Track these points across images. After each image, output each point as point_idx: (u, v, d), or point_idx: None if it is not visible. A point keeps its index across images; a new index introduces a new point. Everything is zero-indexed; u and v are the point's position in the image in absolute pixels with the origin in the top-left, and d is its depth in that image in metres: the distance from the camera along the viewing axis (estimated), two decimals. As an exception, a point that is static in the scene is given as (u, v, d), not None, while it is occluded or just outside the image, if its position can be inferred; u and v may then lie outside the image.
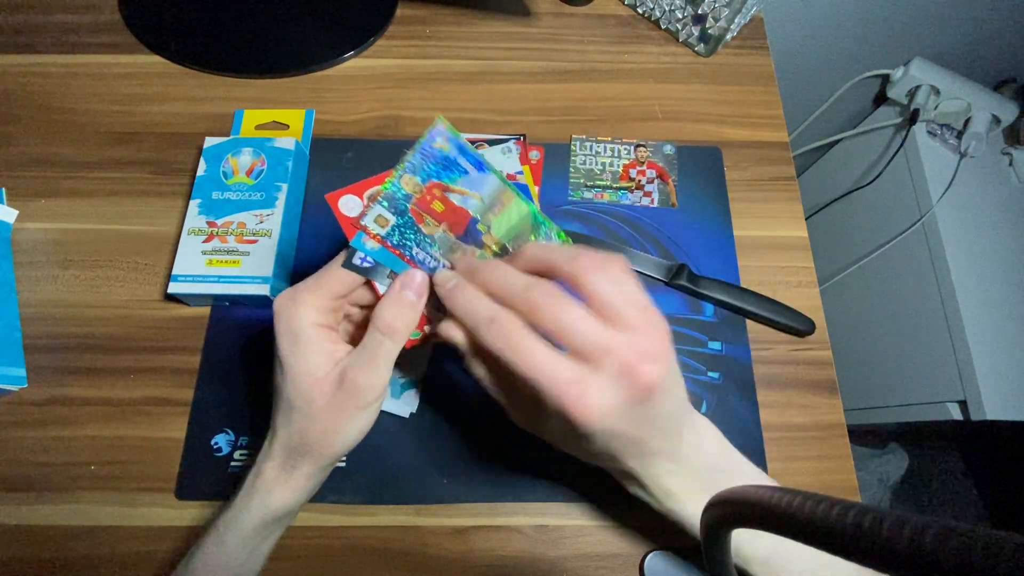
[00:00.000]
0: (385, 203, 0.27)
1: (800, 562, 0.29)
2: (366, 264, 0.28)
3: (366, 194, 0.27)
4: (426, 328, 0.31)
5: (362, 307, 0.31)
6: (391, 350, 0.28)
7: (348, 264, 0.28)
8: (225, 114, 0.49)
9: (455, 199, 0.28)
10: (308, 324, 0.28)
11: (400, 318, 0.27)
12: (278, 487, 0.29)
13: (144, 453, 0.38)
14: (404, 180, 0.27)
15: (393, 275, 0.28)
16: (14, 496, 0.37)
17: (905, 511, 0.11)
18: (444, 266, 0.29)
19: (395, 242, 0.28)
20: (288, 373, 0.28)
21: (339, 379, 0.27)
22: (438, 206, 0.28)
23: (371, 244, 0.27)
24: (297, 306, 0.28)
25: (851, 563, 0.12)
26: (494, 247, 0.29)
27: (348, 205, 0.28)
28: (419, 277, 0.28)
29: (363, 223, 0.27)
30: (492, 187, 0.28)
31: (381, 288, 0.29)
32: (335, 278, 0.28)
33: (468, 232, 0.29)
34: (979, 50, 0.81)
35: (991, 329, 0.74)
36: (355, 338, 0.31)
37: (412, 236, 0.28)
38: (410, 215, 0.27)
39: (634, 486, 0.31)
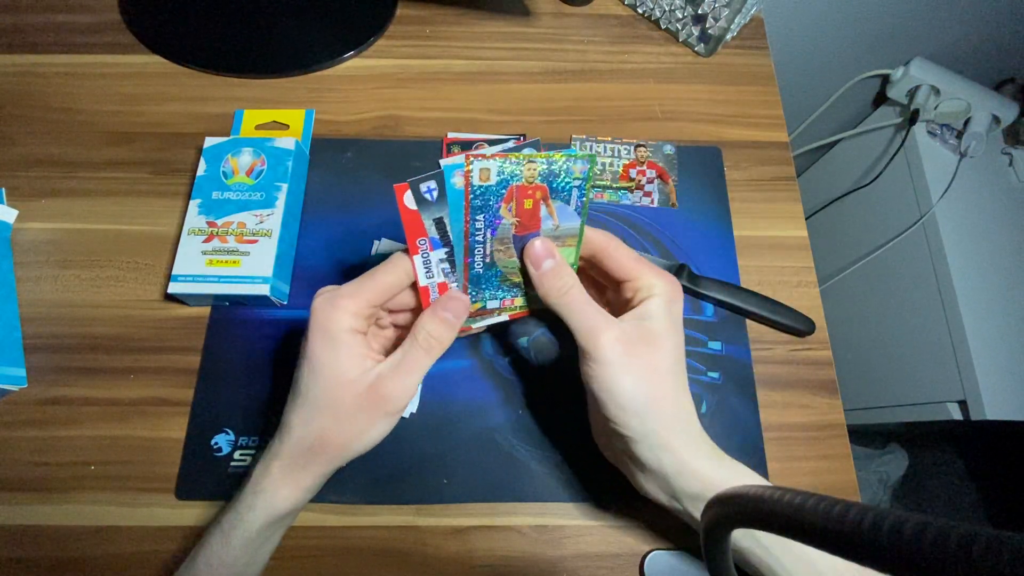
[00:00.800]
0: (502, 165, 0.27)
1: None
2: (427, 195, 0.27)
3: (490, 150, 0.28)
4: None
5: (391, 311, 0.32)
6: (426, 364, 0.29)
7: (414, 187, 0.27)
8: (225, 114, 0.49)
9: (542, 210, 0.30)
10: (344, 328, 0.28)
11: (440, 336, 0.29)
12: (285, 486, 0.29)
13: (144, 453, 0.38)
14: (528, 167, 0.28)
15: (438, 227, 0.28)
16: (14, 496, 0.37)
17: (905, 511, 0.11)
18: (486, 248, 0.30)
19: (476, 202, 0.28)
20: (319, 373, 0.28)
21: (371, 386, 0.28)
22: (528, 204, 0.29)
23: (458, 182, 0.27)
24: (336, 310, 0.28)
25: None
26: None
27: (411, 200, 0.28)
28: (464, 302, 0.30)
29: (472, 161, 0.27)
30: (571, 226, 0.31)
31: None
32: (378, 286, 0.29)
33: (524, 239, 0.31)
34: (979, 50, 0.81)
35: (991, 329, 0.74)
36: (381, 342, 0.33)
37: (492, 206, 0.28)
38: (504, 192, 0.28)
39: (638, 469, 0.32)
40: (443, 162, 0.26)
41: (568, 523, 0.38)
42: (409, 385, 0.29)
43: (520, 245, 0.31)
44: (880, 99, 0.89)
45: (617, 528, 0.38)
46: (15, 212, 0.44)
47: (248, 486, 0.30)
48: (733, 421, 0.41)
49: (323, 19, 0.54)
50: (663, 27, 0.55)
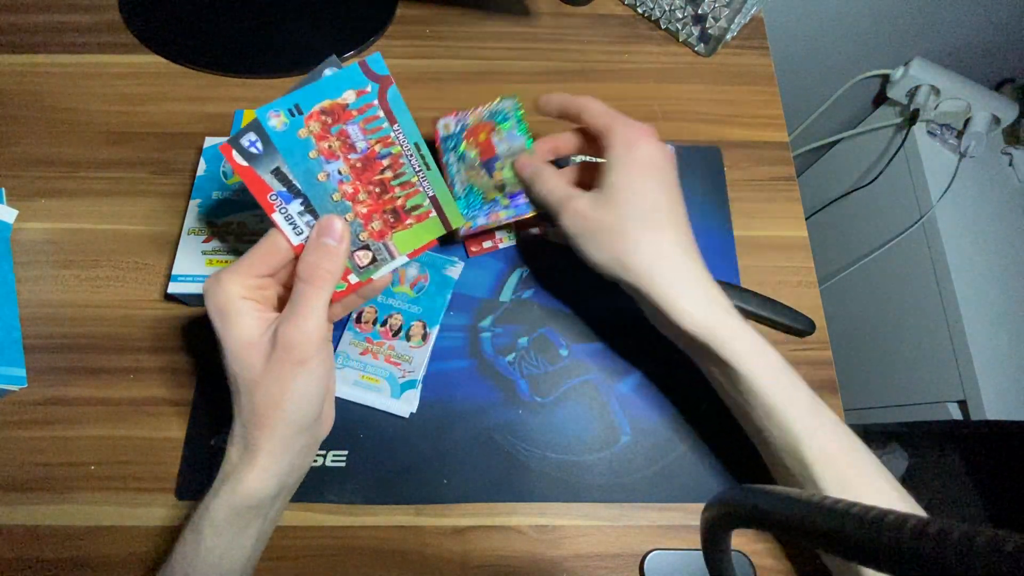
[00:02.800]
0: (457, 119, 0.40)
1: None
2: (252, 149, 0.27)
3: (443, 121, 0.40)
4: (350, 278, 0.31)
5: (287, 287, 0.31)
6: (316, 298, 0.28)
7: (235, 144, 0.27)
8: (225, 114, 0.49)
9: (493, 139, 0.39)
10: (232, 298, 0.28)
11: (321, 263, 0.28)
12: (244, 470, 0.28)
13: (144, 453, 0.38)
14: (473, 114, 0.39)
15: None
16: (14, 496, 0.37)
17: (906, 511, 0.11)
18: (462, 175, 0.39)
19: (448, 144, 0.39)
20: (225, 347, 0.28)
21: (272, 339, 0.28)
22: (482, 136, 0.39)
23: (276, 124, 0.27)
24: (219, 283, 0.28)
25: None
26: (498, 180, 0.39)
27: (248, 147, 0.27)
28: (339, 224, 0.29)
29: (439, 121, 0.40)
30: (518, 144, 0.39)
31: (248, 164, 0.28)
32: (255, 253, 0.29)
33: (488, 163, 0.39)
34: (979, 50, 0.81)
35: (991, 329, 0.74)
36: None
37: (457, 147, 0.39)
38: (462, 135, 0.39)
39: (645, 305, 0.35)
40: (258, 111, 0.27)
41: (568, 523, 0.38)
42: (307, 328, 0.27)
43: (487, 167, 0.38)
44: (880, 99, 0.89)
45: (617, 528, 0.38)
46: (15, 212, 0.44)
47: (216, 476, 0.30)
48: (733, 421, 0.41)
49: (323, 19, 0.54)
50: (663, 27, 0.55)
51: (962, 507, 1.19)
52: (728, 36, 0.53)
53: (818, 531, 0.13)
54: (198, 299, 0.41)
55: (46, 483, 0.38)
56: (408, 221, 0.31)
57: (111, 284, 0.43)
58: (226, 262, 0.40)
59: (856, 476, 0.31)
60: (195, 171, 0.43)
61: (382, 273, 0.32)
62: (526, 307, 0.43)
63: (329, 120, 0.27)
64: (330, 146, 0.28)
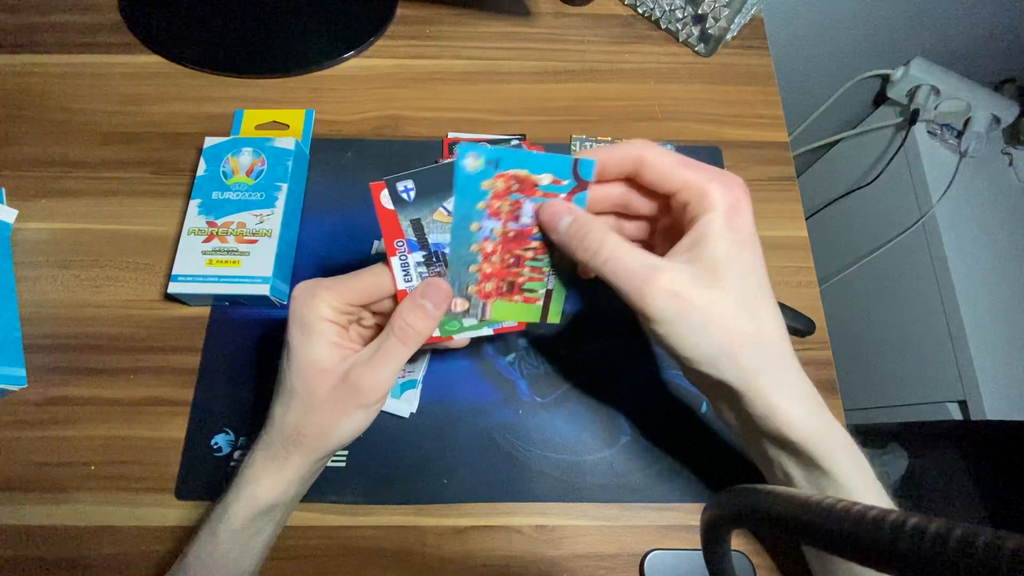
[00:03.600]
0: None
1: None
2: (404, 195, 0.27)
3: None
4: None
5: (375, 313, 0.31)
6: (402, 355, 0.28)
7: (390, 186, 0.27)
8: (225, 114, 0.49)
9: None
10: (319, 317, 0.28)
11: (416, 325, 0.28)
12: (267, 477, 0.29)
13: (144, 453, 0.38)
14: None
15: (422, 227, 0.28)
16: (14, 496, 0.37)
17: (907, 511, 0.11)
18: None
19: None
20: (294, 360, 0.28)
21: (344, 374, 0.28)
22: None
23: (472, 164, 0.26)
24: (313, 298, 0.28)
25: None
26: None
27: (387, 199, 0.27)
28: (444, 288, 0.28)
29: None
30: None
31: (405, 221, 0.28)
32: (358, 284, 0.28)
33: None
34: (979, 50, 0.81)
35: (991, 329, 0.74)
36: (364, 337, 0.32)
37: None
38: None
39: (726, 405, 0.29)
40: (460, 147, 0.25)
41: (568, 523, 0.38)
42: (383, 377, 0.28)
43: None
44: (880, 99, 0.89)
45: (617, 528, 0.38)
46: (15, 212, 0.44)
47: (236, 479, 0.30)
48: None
49: (323, 19, 0.54)
50: (663, 27, 0.55)
51: (962, 507, 1.19)
52: (728, 36, 0.53)
53: (818, 531, 0.13)
54: (198, 299, 0.41)
55: (46, 483, 0.38)
56: (516, 297, 0.31)
57: (111, 284, 0.43)
58: (226, 262, 0.40)
59: None
60: (195, 171, 0.43)
61: (462, 337, 0.32)
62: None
63: (515, 187, 0.27)
64: (499, 207, 0.28)
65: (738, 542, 0.38)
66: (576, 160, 0.27)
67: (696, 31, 0.53)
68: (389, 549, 0.37)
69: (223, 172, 0.42)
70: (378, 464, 0.38)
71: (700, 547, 0.18)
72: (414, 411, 0.39)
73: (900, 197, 0.84)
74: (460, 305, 0.30)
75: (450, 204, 0.28)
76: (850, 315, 0.96)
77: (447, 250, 0.29)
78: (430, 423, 0.40)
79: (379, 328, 0.32)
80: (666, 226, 0.29)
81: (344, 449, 0.38)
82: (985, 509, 1.19)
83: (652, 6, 0.55)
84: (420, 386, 0.40)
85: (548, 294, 0.32)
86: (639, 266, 0.25)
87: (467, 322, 0.31)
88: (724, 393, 0.28)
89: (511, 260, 0.30)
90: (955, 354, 0.75)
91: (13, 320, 0.41)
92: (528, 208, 0.28)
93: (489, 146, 0.26)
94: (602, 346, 0.43)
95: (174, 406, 0.39)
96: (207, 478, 0.38)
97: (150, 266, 0.43)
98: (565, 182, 0.27)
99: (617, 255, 0.26)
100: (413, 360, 0.40)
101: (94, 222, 0.45)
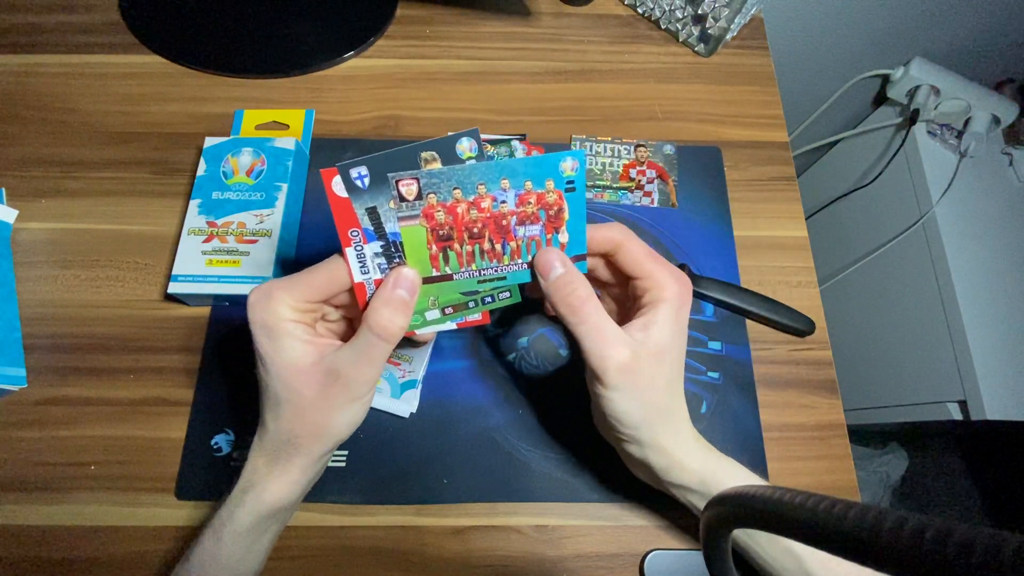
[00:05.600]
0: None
1: None
2: (358, 182, 0.26)
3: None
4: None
5: (337, 307, 0.30)
6: (385, 350, 0.28)
7: (343, 172, 0.26)
8: (225, 114, 0.49)
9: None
10: (282, 319, 0.27)
11: (395, 320, 0.27)
12: (272, 481, 0.29)
13: (144, 453, 0.38)
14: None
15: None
16: (14, 496, 0.37)
17: (906, 511, 0.11)
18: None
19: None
20: (271, 367, 0.28)
21: (328, 372, 0.27)
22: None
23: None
24: (270, 301, 0.27)
25: None
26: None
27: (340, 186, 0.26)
28: (413, 276, 0.28)
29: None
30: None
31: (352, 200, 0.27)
32: (313, 281, 0.28)
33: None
34: (979, 50, 0.81)
35: (991, 329, 0.74)
36: (334, 330, 0.31)
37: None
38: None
39: (631, 461, 0.34)
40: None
41: (568, 523, 0.38)
42: (371, 374, 0.28)
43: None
44: (880, 99, 0.89)
45: (617, 528, 0.38)
46: (15, 212, 0.44)
47: (238, 483, 0.30)
48: (733, 421, 0.41)
49: (323, 19, 0.54)
50: (663, 27, 0.55)
51: (962, 507, 1.19)
52: (728, 36, 0.53)
53: (818, 531, 0.13)
54: (198, 299, 0.41)
55: (46, 483, 0.38)
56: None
57: (111, 284, 0.43)
58: (226, 262, 0.40)
59: None
60: (195, 171, 0.43)
61: (425, 332, 0.31)
62: (526, 307, 0.43)
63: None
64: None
65: (738, 542, 0.38)
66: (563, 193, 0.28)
67: (696, 31, 0.53)
68: (389, 549, 0.37)
69: (223, 172, 0.42)
70: (378, 464, 0.38)
71: (700, 547, 0.18)
72: (414, 411, 0.39)
73: (900, 197, 0.84)
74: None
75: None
76: (850, 315, 0.96)
77: (389, 258, 0.28)
78: (430, 423, 0.40)
79: (346, 320, 0.31)
80: (615, 294, 0.34)
81: (344, 449, 0.38)
82: (985, 509, 1.19)
83: (652, 6, 0.55)
84: (420, 386, 0.40)
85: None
86: (609, 335, 0.29)
87: (430, 316, 0.31)
88: (636, 451, 0.32)
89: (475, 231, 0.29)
90: (955, 354, 0.75)
91: (13, 320, 0.41)
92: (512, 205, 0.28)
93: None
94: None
95: (174, 406, 0.39)
96: (207, 478, 0.38)
97: (150, 266, 0.43)
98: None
99: (592, 317, 0.29)
100: (413, 360, 0.40)
101: (94, 222, 0.45)
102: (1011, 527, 0.10)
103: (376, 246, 0.28)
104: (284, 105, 0.50)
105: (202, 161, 0.43)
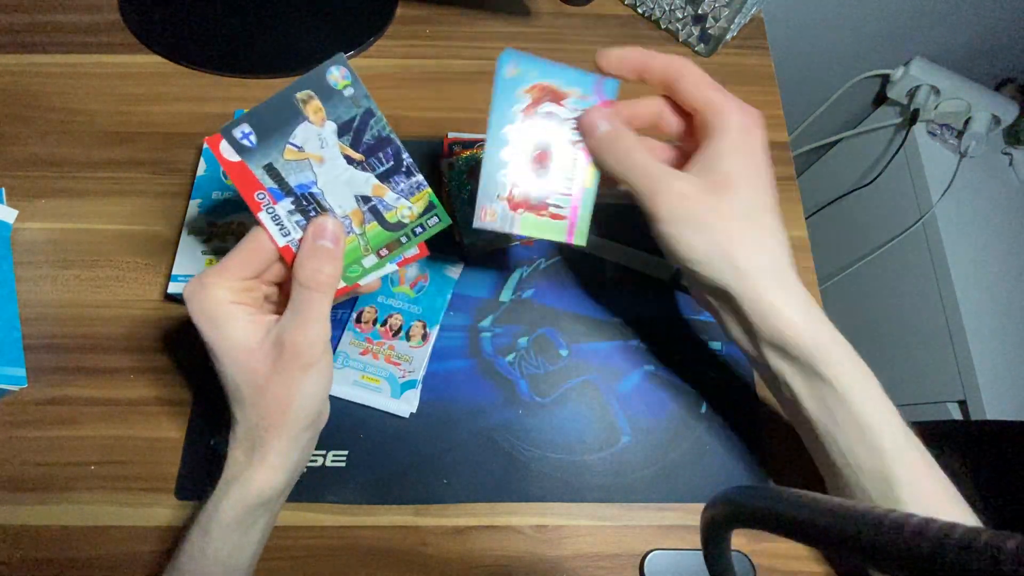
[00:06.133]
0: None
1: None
2: (245, 141, 0.26)
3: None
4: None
5: (277, 284, 0.30)
6: (321, 303, 0.27)
7: (227, 134, 0.25)
8: (225, 114, 0.49)
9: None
10: (220, 303, 0.27)
11: (323, 269, 0.27)
12: (254, 470, 0.28)
13: (144, 453, 0.38)
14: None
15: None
16: (14, 496, 0.37)
17: (905, 511, 0.11)
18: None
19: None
20: (220, 354, 0.27)
21: (275, 344, 0.27)
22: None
23: (511, 71, 0.30)
24: (204, 288, 0.27)
25: None
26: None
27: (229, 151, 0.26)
28: (331, 224, 0.28)
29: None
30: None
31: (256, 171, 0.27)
32: (240, 256, 0.28)
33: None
34: (979, 50, 0.81)
35: (991, 329, 0.74)
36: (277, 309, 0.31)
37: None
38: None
39: (730, 317, 0.31)
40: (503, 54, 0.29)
41: (568, 523, 0.38)
42: (314, 333, 0.27)
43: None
44: (880, 99, 0.89)
45: (617, 528, 0.38)
46: (15, 212, 0.44)
47: (222, 476, 0.29)
48: (733, 421, 0.41)
49: (323, 19, 0.54)
50: (663, 27, 0.55)
51: (962, 507, 1.19)
52: (728, 36, 0.53)
53: (819, 531, 0.13)
54: (198, 299, 0.41)
55: (46, 483, 0.38)
56: (543, 212, 0.31)
57: (111, 284, 0.43)
58: (226, 262, 0.40)
59: (939, 503, 0.30)
60: (195, 171, 0.43)
61: (368, 280, 0.31)
62: (526, 307, 0.43)
63: (547, 96, 0.30)
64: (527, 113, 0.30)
65: (738, 542, 0.38)
66: (601, 79, 0.30)
67: (696, 31, 0.53)
68: (389, 549, 0.37)
69: (223, 172, 0.42)
70: (378, 464, 0.38)
71: (700, 547, 0.18)
72: (414, 411, 0.39)
73: (900, 197, 0.84)
74: (490, 215, 0.30)
75: (296, 139, 0.27)
76: (850, 315, 0.96)
77: (304, 213, 0.27)
78: (430, 423, 0.40)
79: (287, 296, 0.31)
80: (690, 151, 0.31)
81: (344, 449, 0.38)
82: (985, 509, 1.19)
83: (652, 6, 0.55)
84: (420, 386, 0.40)
85: (575, 211, 0.31)
86: (656, 171, 0.28)
87: (367, 263, 0.30)
88: (726, 301, 0.30)
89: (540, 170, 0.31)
90: (955, 354, 0.75)
91: (13, 320, 0.41)
92: (559, 112, 0.30)
93: (529, 55, 0.29)
94: (602, 346, 0.43)
95: (174, 406, 0.39)
96: (207, 478, 0.37)
97: (150, 266, 0.43)
98: (590, 98, 0.30)
99: (639, 161, 0.29)
100: (413, 360, 0.40)
101: (94, 222, 0.45)
102: (1011, 527, 0.10)
103: (287, 203, 0.27)
104: (284, 105, 0.50)
105: (202, 161, 0.43)
